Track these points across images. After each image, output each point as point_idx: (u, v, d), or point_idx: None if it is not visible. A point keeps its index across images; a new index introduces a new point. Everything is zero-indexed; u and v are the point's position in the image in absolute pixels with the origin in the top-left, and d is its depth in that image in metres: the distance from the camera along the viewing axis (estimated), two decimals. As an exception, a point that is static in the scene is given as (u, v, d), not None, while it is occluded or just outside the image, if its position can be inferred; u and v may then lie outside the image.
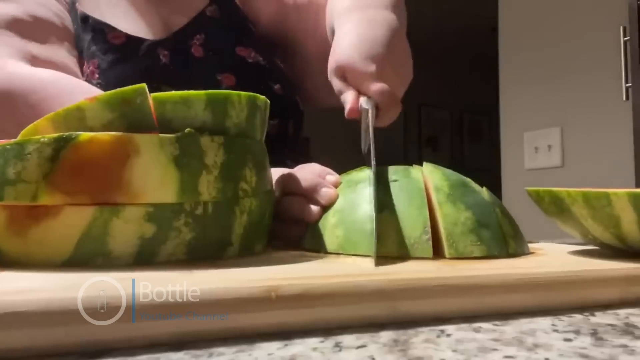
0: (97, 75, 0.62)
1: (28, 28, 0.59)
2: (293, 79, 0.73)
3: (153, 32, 0.67)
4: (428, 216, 0.33)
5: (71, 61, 0.62)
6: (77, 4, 0.66)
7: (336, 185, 0.39)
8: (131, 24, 0.66)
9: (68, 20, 0.65)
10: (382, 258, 0.31)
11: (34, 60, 0.57)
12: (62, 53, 0.61)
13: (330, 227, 0.35)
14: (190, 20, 0.68)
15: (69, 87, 0.53)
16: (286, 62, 0.74)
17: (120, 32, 0.64)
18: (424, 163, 0.38)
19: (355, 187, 0.36)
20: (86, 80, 0.61)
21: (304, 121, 0.72)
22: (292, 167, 0.65)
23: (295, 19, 0.72)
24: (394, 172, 0.37)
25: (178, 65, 0.64)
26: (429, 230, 0.32)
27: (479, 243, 0.32)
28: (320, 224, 0.36)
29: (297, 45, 0.73)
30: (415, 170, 0.37)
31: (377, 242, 0.32)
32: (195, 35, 0.67)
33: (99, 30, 0.64)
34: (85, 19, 0.65)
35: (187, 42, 0.66)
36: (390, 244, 0.32)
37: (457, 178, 0.37)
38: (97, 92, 0.54)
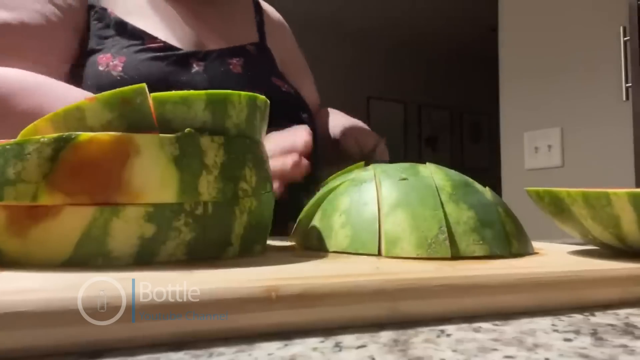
0: (120, 69, 0.62)
1: (14, 34, 0.60)
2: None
3: (183, 44, 0.69)
4: (443, 215, 0.33)
5: (57, 64, 0.63)
6: (108, 10, 0.68)
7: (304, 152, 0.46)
8: (162, 34, 0.68)
9: (78, 17, 0.66)
10: (392, 258, 0.31)
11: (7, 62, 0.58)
12: (46, 57, 0.62)
13: (337, 228, 0.35)
14: (230, 47, 0.72)
15: (35, 85, 0.55)
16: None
17: (160, 40, 0.67)
18: (427, 163, 0.38)
19: (360, 187, 0.36)
20: (105, 71, 0.62)
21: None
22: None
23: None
24: (402, 170, 0.36)
25: (213, 75, 0.67)
26: (445, 229, 0.32)
27: (481, 242, 0.32)
28: (327, 224, 0.36)
29: None
30: (423, 168, 0.37)
31: (393, 243, 0.32)
32: (235, 58, 0.71)
33: (137, 37, 0.66)
34: (122, 25, 0.66)
35: (226, 60, 0.70)
36: (406, 245, 0.32)
37: (460, 178, 0.36)
38: (66, 93, 0.55)
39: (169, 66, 0.65)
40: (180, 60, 0.66)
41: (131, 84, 0.60)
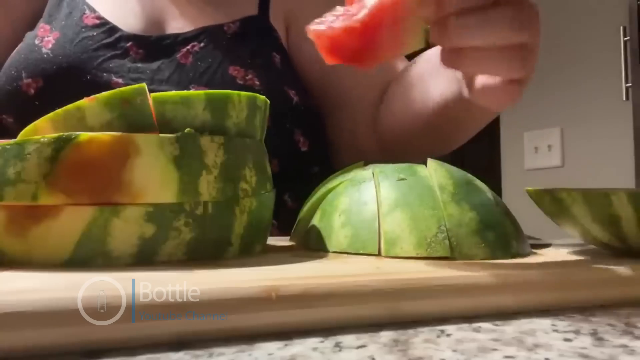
0: (50, 45, 0.59)
1: None
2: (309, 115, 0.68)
3: (129, 24, 0.63)
4: (443, 215, 0.32)
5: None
6: None
7: None
8: (107, 8, 0.63)
9: None
10: (392, 258, 0.31)
11: None
12: None
13: (337, 227, 0.35)
14: (195, 29, 0.63)
15: None
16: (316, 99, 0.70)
17: (98, 15, 0.62)
18: (428, 160, 0.38)
19: (359, 187, 0.36)
20: (38, 45, 0.59)
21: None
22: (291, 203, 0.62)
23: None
24: (400, 170, 0.36)
25: (147, 66, 0.60)
26: (445, 228, 0.32)
27: (483, 245, 0.32)
28: (326, 224, 0.36)
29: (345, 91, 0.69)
30: (420, 168, 0.37)
31: (392, 243, 0.32)
32: (192, 43, 0.62)
33: (79, 9, 0.62)
34: None
35: (178, 47, 0.62)
36: (406, 245, 0.32)
37: (462, 176, 0.36)
38: None
39: (97, 50, 0.59)
40: (114, 44, 0.60)
41: (55, 64, 0.60)
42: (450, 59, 0.32)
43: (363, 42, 0.31)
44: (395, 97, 0.65)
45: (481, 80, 0.36)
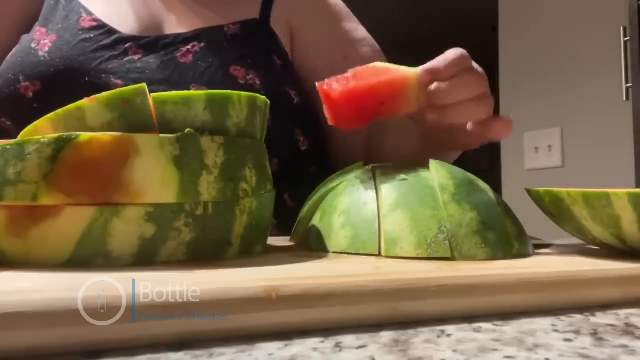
0: (47, 48, 0.59)
1: None
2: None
3: (127, 26, 0.63)
4: (444, 215, 0.32)
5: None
6: None
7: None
8: (104, 10, 0.63)
9: None
10: (392, 258, 0.31)
11: None
12: None
13: (337, 228, 0.35)
14: (195, 29, 0.63)
15: None
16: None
17: (95, 18, 0.62)
18: (430, 160, 0.37)
19: (359, 187, 0.36)
20: (34, 48, 0.59)
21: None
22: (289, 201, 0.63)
23: None
24: (401, 171, 0.36)
25: (147, 65, 0.60)
26: (445, 229, 0.32)
27: (483, 245, 0.32)
28: (326, 224, 0.36)
29: None
30: (422, 168, 0.37)
31: (392, 243, 0.32)
32: (192, 43, 0.62)
33: (76, 12, 0.63)
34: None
35: (178, 47, 0.62)
36: (406, 245, 0.32)
37: (463, 176, 0.36)
38: None
39: (95, 51, 0.59)
40: (111, 45, 0.60)
41: (52, 67, 0.61)
42: (439, 114, 0.44)
43: (352, 107, 0.41)
44: (373, 135, 0.71)
45: (462, 128, 0.49)
